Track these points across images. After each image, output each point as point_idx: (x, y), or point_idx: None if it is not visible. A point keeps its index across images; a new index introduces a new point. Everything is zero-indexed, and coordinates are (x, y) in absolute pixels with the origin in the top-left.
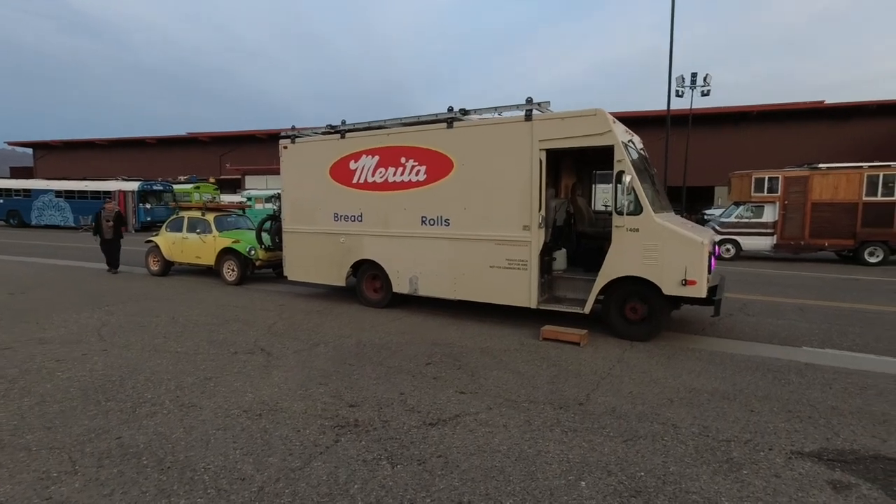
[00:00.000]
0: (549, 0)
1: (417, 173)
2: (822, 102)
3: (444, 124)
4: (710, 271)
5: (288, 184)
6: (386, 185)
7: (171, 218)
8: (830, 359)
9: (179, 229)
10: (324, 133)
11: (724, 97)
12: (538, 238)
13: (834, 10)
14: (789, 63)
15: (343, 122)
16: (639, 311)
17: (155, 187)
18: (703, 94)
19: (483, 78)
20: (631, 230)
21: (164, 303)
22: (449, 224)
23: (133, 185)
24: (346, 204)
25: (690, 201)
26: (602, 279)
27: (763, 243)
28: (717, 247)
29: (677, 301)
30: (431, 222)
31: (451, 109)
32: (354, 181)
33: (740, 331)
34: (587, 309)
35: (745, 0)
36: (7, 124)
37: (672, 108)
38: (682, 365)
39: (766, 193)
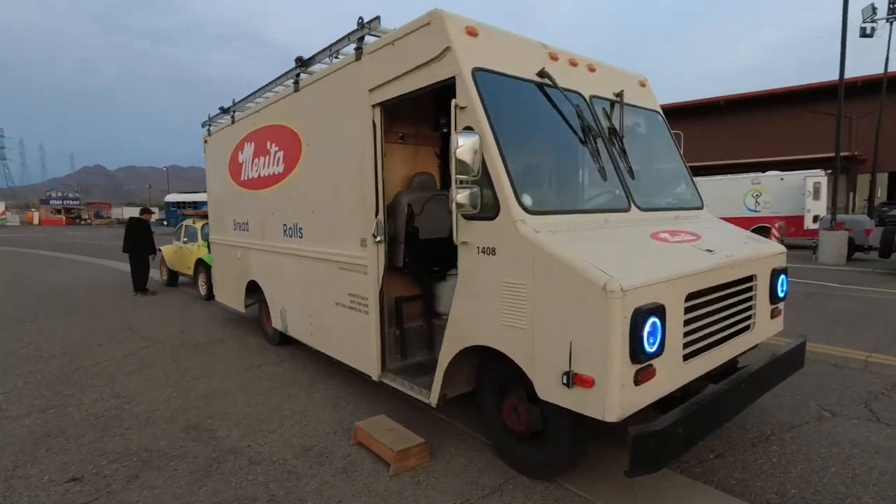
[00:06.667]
0: None
1: (278, 162)
2: None
3: (293, 86)
4: (645, 351)
5: (209, 184)
6: (260, 181)
7: (179, 225)
8: None
9: (180, 238)
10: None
11: None
12: (377, 260)
13: None
14: None
15: (234, 101)
16: (521, 416)
17: None
18: None
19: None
20: (483, 251)
21: (87, 320)
22: (302, 235)
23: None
24: (239, 207)
25: None
26: (449, 346)
27: None
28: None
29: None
30: (290, 232)
31: (298, 60)
32: (242, 178)
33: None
34: (433, 398)
35: None
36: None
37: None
38: None
39: None
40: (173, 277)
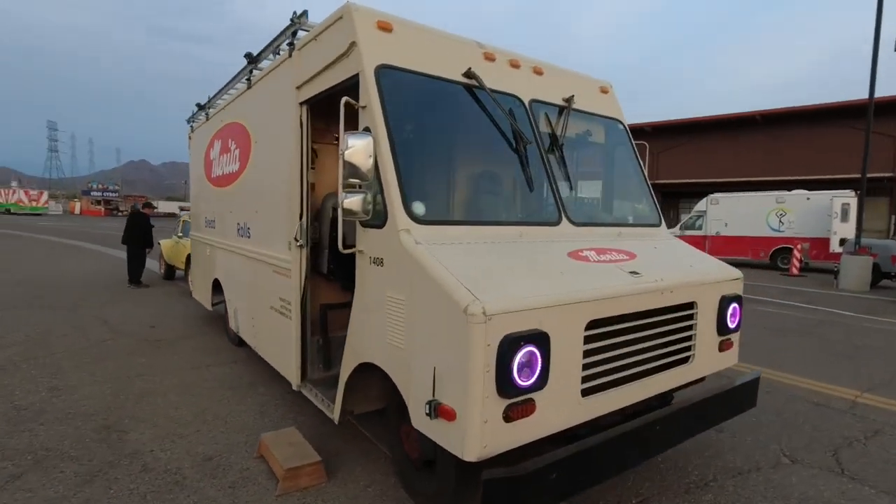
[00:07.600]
0: None
1: (235, 160)
2: None
3: (246, 83)
4: (516, 384)
5: (191, 180)
6: (224, 179)
7: (179, 220)
8: None
9: (178, 232)
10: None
11: None
12: (300, 265)
13: None
14: None
15: (209, 98)
16: (414, 442)
17: None
18: None
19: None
20: (374, 262)
21: (64, 310)
22: (250, 235)
23: None
24: (210, 204)
25: None
26: (347, 360)
27: None
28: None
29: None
30: (241, 231)
31: (248, 56)
32: (212, 175)
33: None
34: (335, 414)
35: None
36: None
37: None
38: None
39: None
40: (170, 271)
